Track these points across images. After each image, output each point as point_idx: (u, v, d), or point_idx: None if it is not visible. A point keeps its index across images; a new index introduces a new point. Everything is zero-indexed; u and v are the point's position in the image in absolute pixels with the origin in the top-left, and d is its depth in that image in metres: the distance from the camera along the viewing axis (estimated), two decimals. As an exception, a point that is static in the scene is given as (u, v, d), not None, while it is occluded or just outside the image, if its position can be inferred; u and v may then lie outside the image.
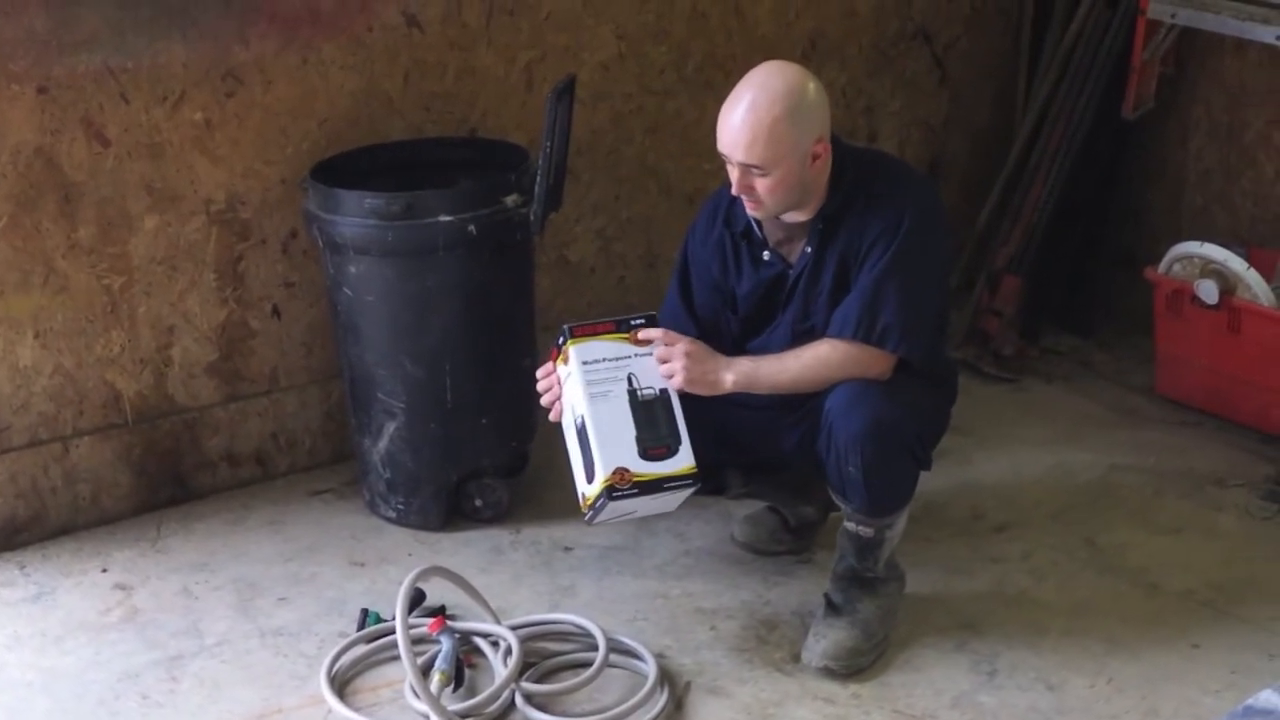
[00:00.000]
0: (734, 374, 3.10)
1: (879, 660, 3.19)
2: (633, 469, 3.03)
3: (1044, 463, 4.01)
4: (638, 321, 3.11)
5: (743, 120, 3.00)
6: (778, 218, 3.17)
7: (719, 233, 3.27)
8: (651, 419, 3.07)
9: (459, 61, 3.95)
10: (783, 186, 3.04)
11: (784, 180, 3.03)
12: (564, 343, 3.11)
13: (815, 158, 3.05)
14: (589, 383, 3.07)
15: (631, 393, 3.07)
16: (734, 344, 3.29)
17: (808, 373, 3.10)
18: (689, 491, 3.08)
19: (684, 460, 3.06)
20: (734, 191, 3.08)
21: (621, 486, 3.02)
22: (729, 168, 3.07)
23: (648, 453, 3.05)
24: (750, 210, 3.12)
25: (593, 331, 3.10)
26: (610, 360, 3.08)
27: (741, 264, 3.25)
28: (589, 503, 3.06)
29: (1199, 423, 4.20)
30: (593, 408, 3.05)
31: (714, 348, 3.20)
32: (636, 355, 3.09)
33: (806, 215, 3.15)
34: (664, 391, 3.08)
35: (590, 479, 3.06)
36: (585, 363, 3.07)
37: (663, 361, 3.10)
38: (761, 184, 3.03)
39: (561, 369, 3.14)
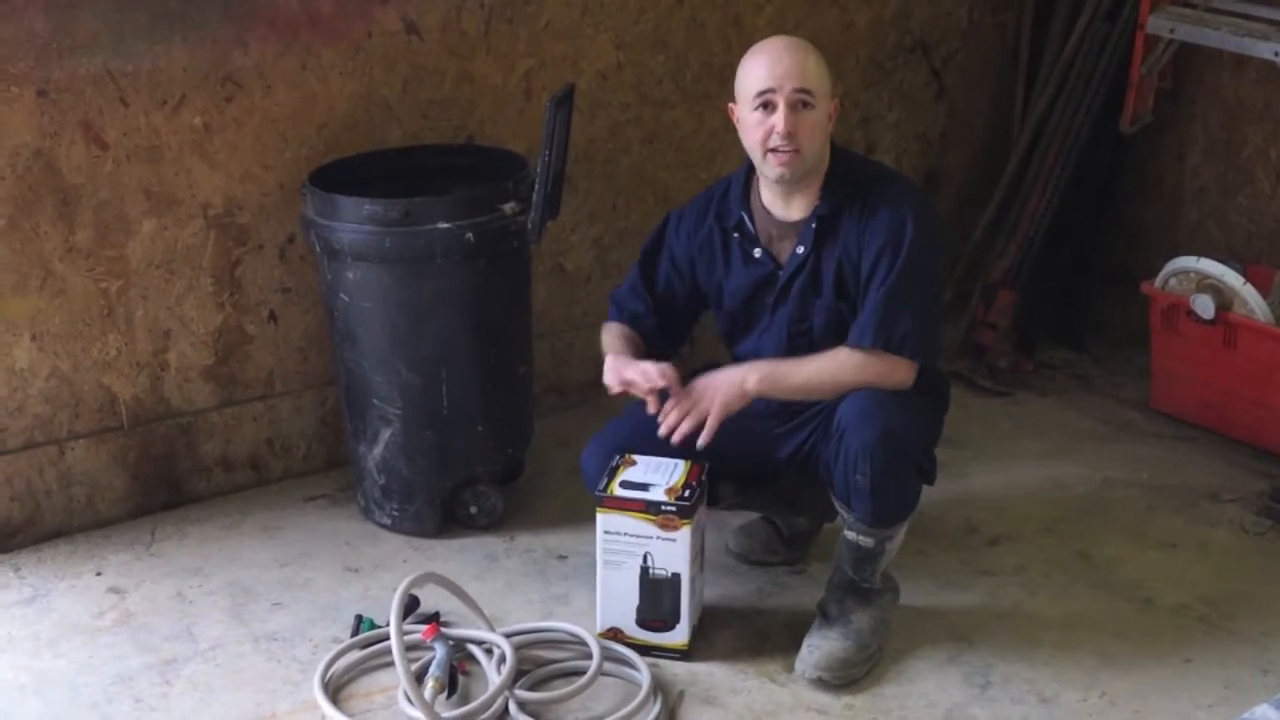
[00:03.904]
0: (755, 374, 3.13)
1: (872, 672, 3.19)
2: (626, 632, 3.24)
3: (1038, 476, 4.01)
4: (669, 509, 3.13)
5: (791, 49, 3.07)
6: (770, 215, 3.19)
7: (709, 227, 3.28)
8: (656, 596, 3.19)
9: (457, 69, 3.95)
10: (820, 129, 3.08)
11: (822, 123, 3.08)
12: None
13: (830, 118, 3.12)
14: (605, 551, 3.19)
15: (644, 569, 3.17)
16: (723, 344, 3.34)
17: (826, 375, 3.11)
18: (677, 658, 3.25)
19: (678, 637, 3.22)
20: (781, 131, 3.03)
21: (611, 641, 3.24)
22: (763, 116, 3.05)
23: (645, 623, 3.21)
24: (783, 165, 3.07)
25: (623, 507, 3.15)
26: (632, 536, 3.16)
27: (731, 259, 3.26)
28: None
29: (1193, 437, 4.21)
30: (604, 573, 3.22)
31: (662, 328, 3.33)
32: (659, 538, 3.15)
33: (800, 213, 3.16)
34: (676, 575, 3.16)
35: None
36: (607, 533, 3.18)
37: (684, 415, 3.13)
38: (808, 121, 3.05)
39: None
